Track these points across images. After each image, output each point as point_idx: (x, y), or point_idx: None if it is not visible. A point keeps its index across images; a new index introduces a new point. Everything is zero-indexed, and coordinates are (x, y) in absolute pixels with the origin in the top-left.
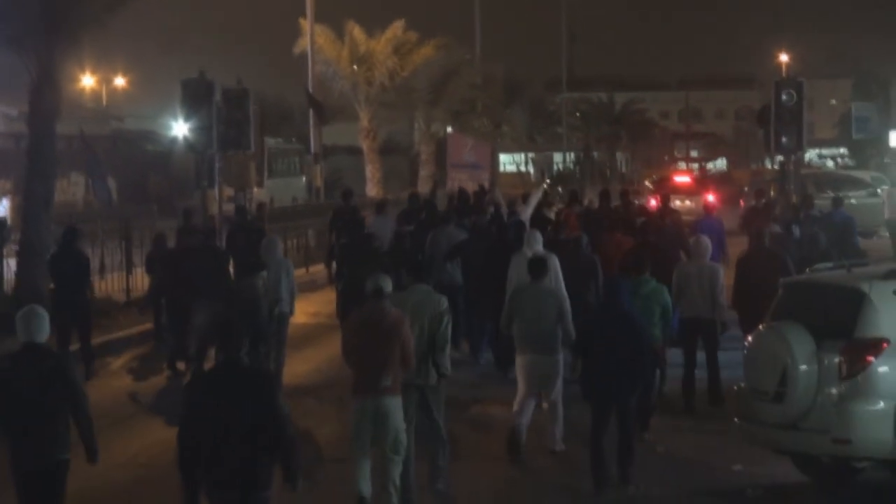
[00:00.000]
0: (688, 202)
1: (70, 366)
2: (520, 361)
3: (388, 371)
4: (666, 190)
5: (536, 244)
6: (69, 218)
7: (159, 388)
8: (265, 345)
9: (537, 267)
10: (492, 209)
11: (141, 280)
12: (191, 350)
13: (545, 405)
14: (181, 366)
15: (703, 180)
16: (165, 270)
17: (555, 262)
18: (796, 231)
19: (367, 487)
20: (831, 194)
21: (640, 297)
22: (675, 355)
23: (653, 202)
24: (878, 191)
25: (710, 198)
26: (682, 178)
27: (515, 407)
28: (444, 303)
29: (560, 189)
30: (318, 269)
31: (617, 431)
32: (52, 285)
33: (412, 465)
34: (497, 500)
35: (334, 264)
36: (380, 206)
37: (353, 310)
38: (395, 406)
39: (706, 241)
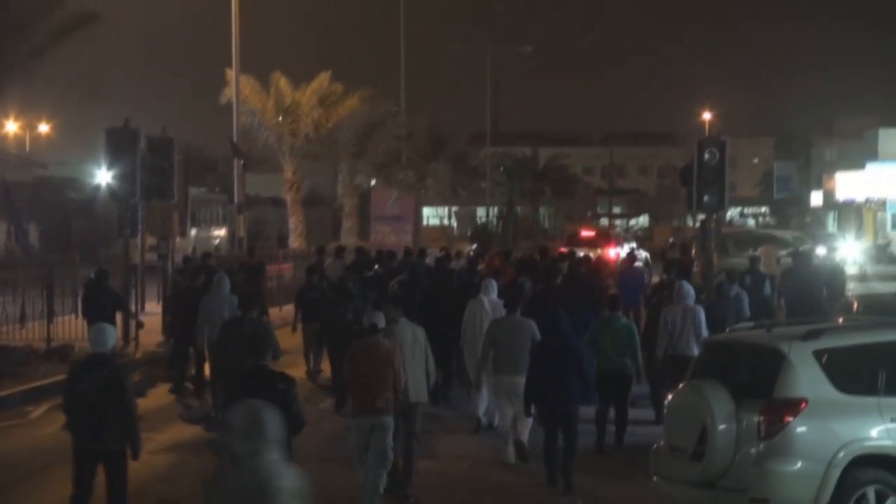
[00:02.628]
0: (591, 253)
1: (125, 375)
2: (498, 383)
3: (382, 394)
4: (577, 243)
5: (492, 291)
6: None
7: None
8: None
9: (512, 301)
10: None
11: (61, 329)
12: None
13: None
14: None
15: (606, 235)
16: (180, 309)
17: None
18: (747, 280)
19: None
20: (752, 253)
21: (613, 330)
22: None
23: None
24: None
25: (612, 251)
26: (587, 233)
27: (508, 424)
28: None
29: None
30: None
31: (563, 442)
32: None
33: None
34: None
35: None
36: (338, 251)
37: (339, 343)
38: (387, 424)
39: (688, 287)
